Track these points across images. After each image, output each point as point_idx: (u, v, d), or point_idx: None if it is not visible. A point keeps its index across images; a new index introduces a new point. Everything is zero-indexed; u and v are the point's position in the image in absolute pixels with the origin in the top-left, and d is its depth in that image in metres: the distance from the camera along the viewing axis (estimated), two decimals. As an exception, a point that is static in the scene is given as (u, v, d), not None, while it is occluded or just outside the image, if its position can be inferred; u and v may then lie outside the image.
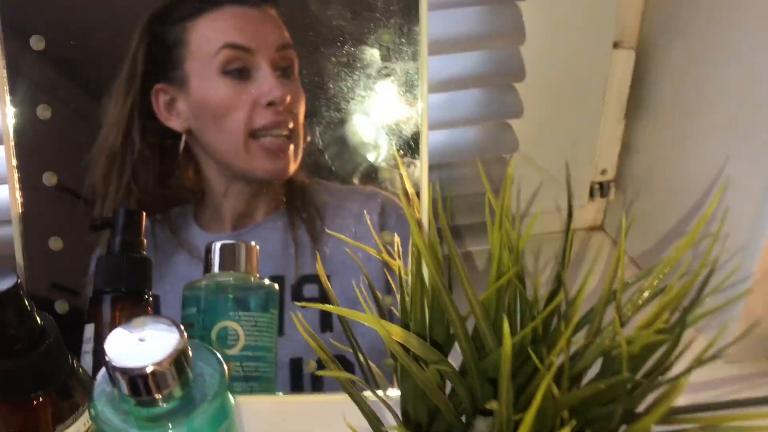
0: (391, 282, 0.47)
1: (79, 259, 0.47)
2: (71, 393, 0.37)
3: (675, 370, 0.35)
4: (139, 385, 0.32)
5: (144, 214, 0.47)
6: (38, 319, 0.35)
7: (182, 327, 0.34)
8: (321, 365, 0.47)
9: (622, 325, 0.38)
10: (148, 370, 0.32)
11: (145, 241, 0.47)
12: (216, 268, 0.47)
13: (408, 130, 0.47)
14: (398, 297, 0.39)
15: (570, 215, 0.42)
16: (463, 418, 0.37)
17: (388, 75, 0.47)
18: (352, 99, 0.47)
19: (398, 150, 0.47)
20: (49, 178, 0.47)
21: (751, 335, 0.50)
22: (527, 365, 0.35)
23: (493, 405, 0.30)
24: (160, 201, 0.48)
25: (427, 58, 0.46)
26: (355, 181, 0.48)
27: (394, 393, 0.45)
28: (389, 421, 0.37)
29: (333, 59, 0.47)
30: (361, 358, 0.42)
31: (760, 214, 0.45)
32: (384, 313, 0.46)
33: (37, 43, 0.46)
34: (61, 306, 0.47)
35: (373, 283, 0.47)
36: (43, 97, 0.46)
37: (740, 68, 0.46)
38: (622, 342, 0.32)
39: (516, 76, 0.53)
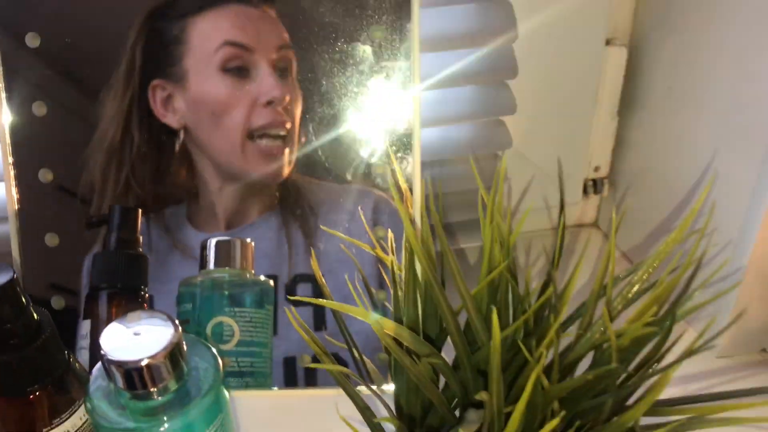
0: (386, 277, 0.48)
1: (75, 255, 0.47)
2: (67, 387, 0.38)
3: (666, 363, 0.36)
4: (134, 378, 0.33)
5: (140, 211, 0.47)
6: (34, 314, 0.36)
7: (177, 321, 0.34)
8: (315, 362, 0.47)
9: (613, 318, 0.38)
10: (143, 363, 0.32)
11: (141, 237, 0.47)
12: (211, 265, 0.47)
13: (401, 127, 0.47)
14: (391, 292, 0.39)
15: (562, 211, 0.43)
16: (457, 412, 0.37)
17: (380, 72, 0.47)
18: (344, 96, 0.47)
19: (391, 147, 0.47)
20: (45, 175, 0.47)
21: (743, 329, 0.50)
22: (518, 358, 0.36)
23: (483, 396, 0.30)
24: (157, 198, 0.48)
25: (420, 55, 0.46)
26: (349, 178, 0.48)
27: (388, 388, 0.46)
28: (383, 415, 0.37)
29: (326, 56, 0.47)
30: (356, 353, 0.43)
31: (751, 208, 0.46)
32: (378, 308, 0.47)
33: (32, 40, 0.46)
34: (57, 302, 0.47)
35: (367, 279, 0.47)
36: (39, 94, 0.46)
37: (731, 64, 0.47)
38: (611, 335, 0.32)
39: (509, 73, 0.53)
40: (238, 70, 0.47)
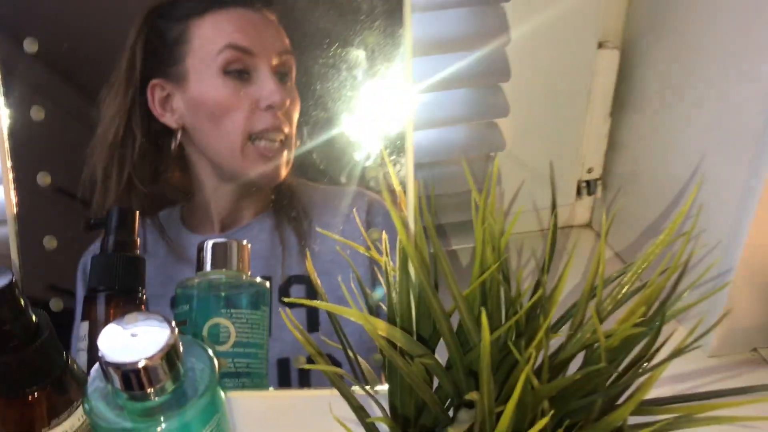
0: (380, 278, 0.48)
1: (74, 258, 0.48)
2: (66, 388, 0.38)
3: (656, 363, 0.36)
4: (131, 379, 0.33)
5: (137, 213, 0.48)
6: (33, 316, 0.36)
7: (173, 323, 0.35)
8: (309, 362, 0.48)
9: (604, 319, 0.39)
10: (140, 364, 0.33)
11: (138, 240, 0.48)
12: (208, 267, 0.47)
13: (394, 130, 0.48)
14: (386, 293, 0.39)
15: (554, 211, 0.43)
16: (451, 413, 0.37)
17: (373, 76, 0.47)
18: (338, 100, 0.48)
19: (385, 149, 0.48)
20: (43, 178, 0.47)
21: (733, 329, 0.51)
22: (509, 358, 0.36)
23: (473, 396, 0.31)
24: (154, 199, 0.49)
25: (413, 59, 0.47)
26: (343, 180, 0.49)
27: (382, 388, 0.46)
28: (378, 415, 0.38)
29: (320, 61, 0.47)
30: (350, 354, 0.43)
31: (740, 209, 0.46)
32: (373, 309, 0.47)
33: (30, 45, 0.46)
34: (55, 304, 0.48)
35: (362, 280, 0.48)
36: (37, 98, 0.47)
37: (721, 67, 0.47)
38: (600, 335, 0.33)
39: (502, 76, 0.54)
40: (239, 73, 0.47)
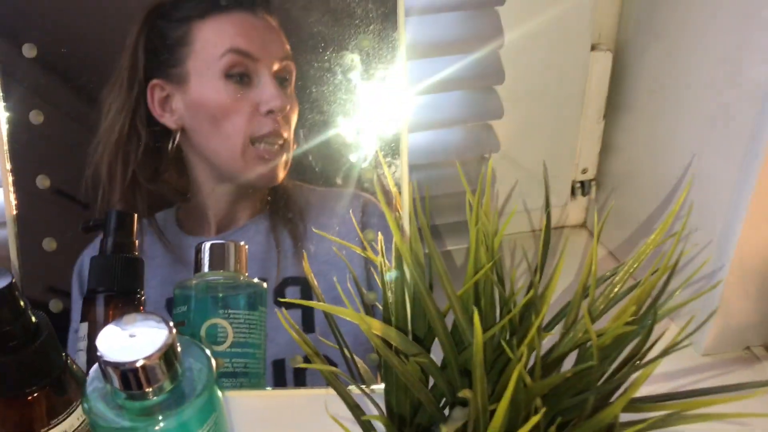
0: (377, 278, 0.48)
1: (73, 259, 0.48)
2: (65, 388, 0.38)
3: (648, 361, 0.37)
4: (129, 378, 0.33)
5: (135, 215, 0.48)
6: (32, 316, 0.37)
7: (171, 323, 0.35)
8: (306, 362, 0.48)
9: (597, 318, 0.39)
10: (139, 364, 0.33)
11: (136, 241, 0.48)
12: (206, 268, 0.47)
13: (389, 132, 0.48)
14: (382, 293, 0.40)
15: (547, 211, 0.44)
16: (446, 412, 0.38)
17: (368, 79, 0.48)
18: (334, 103, 0.48)
19: (380, 151, 0.48)
20: (43, 181, 0.48)
21: (726, 327, 0.51)
22: (503, 357, 0.37)
23: (466, 393, 0.31)
24: (154, 199, 0.49)
25: (407, 63, 0.47)
26: (338, 182, 0.49)
27: (378, 388, 0.46)
28: (374, 414, 0.38)
29: (315, 64, 0.48)
30: (346, 353, 0.44)
31: (732, 208, 0.46)
32: (369, 309, 0.47)
33: (29, 50, 0.47)
34: (55, 305, 0.48)
35: (358, 280, 0.48)
36: (36, 102, 0.47)
37: (713, 68, 0.47)
38: (591, 334, 0.33)
39: (496, 79, 0.54)
40: (240, 76, 0.47)
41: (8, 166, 0.47)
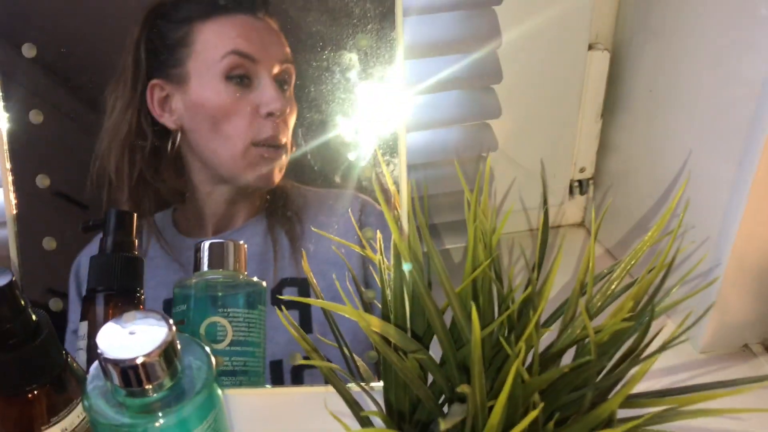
0: (376, 276, 0.49)
1: (73, 259, 0.48)
2: (65, 386, 0.38)
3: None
4: (129, 376, 0.34)
5: (135, 215, 0.48)
6: (32, 315, 0.37)
7: (171, 321, 0.35)
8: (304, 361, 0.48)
9: (595, 315, 0.40)
10: (139, 361, 0.33)
11: (136, 241, 0.48)
12: (205, 267, 0.48)
13: (387, 132, 0.48)
14: (380, 291, 0.40)
15: (545, 206, 0.44)
16: (446, 409, 0.38)
17: (366, 78, 0.48)
18: (332, 102, 0.48)
19: (378, 150, 0.48)
20: (42, 181, 0.48)
21: (724, 325, 0.52)
22: (502, 354, 0.37)
23: (464, 389, 0.31)
24: (153, 200, 0.49)
25: (405, 62, 0.47)
26: (336, 181, 0.49)
27: (378, 386, 0.47)
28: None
29: (313, 64, 0.48)
30: (345, 351, 0.44)
31: (730, 205, 0.47)
32: (367, 307, 0.48)
33: (28, 50, 0.47)
34: (54, 304, 0.48)
35: (357, 278, 0.48)
36: (35, 102, 0.47)
37: (710, 67, 0.48)
38: (589, 330, 0.33)
39: (494, 78, 0.54)
40: (240, 78, 0.48)
41: (8, 165, 0.47)
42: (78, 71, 0.48)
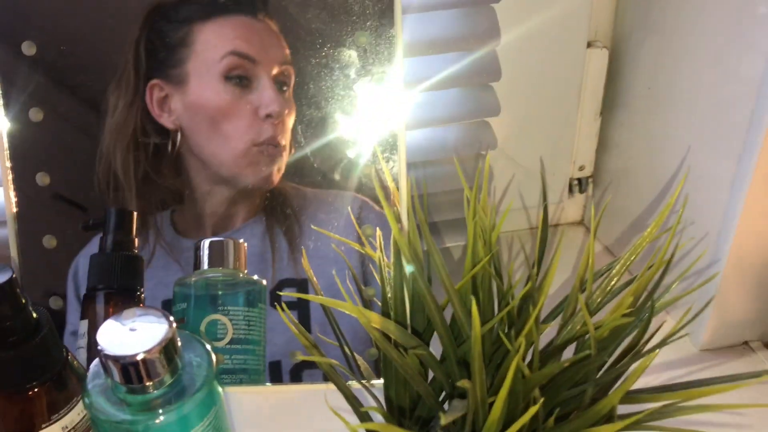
0: (375, 274, 0.49)
1: (73, 256, 0.48)
2: (66, 384, 0.38)
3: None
4: (130, 372, 0.34)
5: (135, 213, 0.48)
6: (33, 312, 0.37)
7: (171, 318, 0.35)
8: (305, 361, 0.49)
9: (596, 311, 0.40)
10: (139, 357, 0.33)
11: (136, 240, 0.48)
12: (205, 265, 0.48)
13: (386, 129, 0.48)
14: (380, 288, 0.40)
15: (544, 203, 0.44)
16: (446, 406, 0.38)
17: (366, 76, 0.48)
18: (331, 99, 0.48)
19: (378, 148, 0.48)
20: (42, 179, 0.48)
21: (724, 321, 0.52)
22: (502, 350, 0.37)
23: (464, 384, 0.31)
24: (152, 201, 0.49)
25: (404, 59, 0.48)
26: (336, 178, 0.49)
27: (378, 383, 0.47)
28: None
29: (312, 61, 0.48)
30: (346, 349, 0.44)
31: (729, 202, 0.47)
32: (367, 305, 0.48)
33: (28, 48, 0.47)
34: (55, 302, 0.48)
35: (357, 276, 0.48)
36: (36, 100, 0.47)
37: (709, 65, 0.48)
38: (589, 326, 0.33)
39: (493, 76, 0.54)
40: (239, 79, 0.48)
41: (8, 163, 0.47)
42: (78, 70, 0.48)
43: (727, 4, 0.45)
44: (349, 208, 0.49)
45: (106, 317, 0.46)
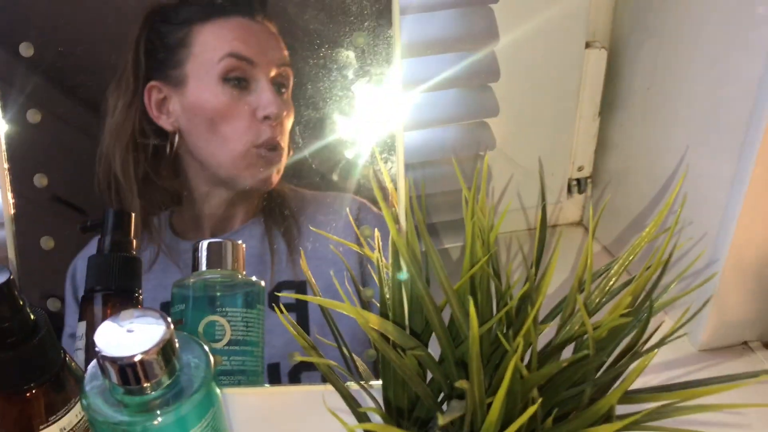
0: (374, 275, 0.49)
1: (71, 258, 0.48)
2: (64, 385, 0.38)
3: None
4: (127, 373, 0.34)
5: (133, 215, 0.48)
6: (31, 313, 0.37)
7: (169, 319, 0.35)
8: (303, 363, 0.48)
9: (594, 311, 0.40)
10: (136, 359, 0.33)
11: (134, 241, 0.48)
12: (203, 266, 0.48)
13: (385, 130, 0.48)
14: (379, 289, 0.40)
15: (543, 205, 0.44)
16: (445, 406, 0.38)
17: (364, 76, 0.48)
18: (329, 100, 0.48)
19: (376, 149, 0.48)
20: (40, 180, 0.48)
21: (723, 322, 0.52)
22: (500, 350, 0.37)
23: (462, 384, 0.31)
24: (151, 202, 0.49)
25: (402, 60, 0.48)
26: (334, 179, 0.49)
27: (376, 384, 0.47)
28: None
29: (310, 62, 0.48)
30: (344, 350, 0.44)
31: (728, 202, 0.47)
32: (365, 306, 0.48)
33: (26, 50, 0.47)
34: (53, 303, 0.48)
35: (356, 277, 0.48)
36: (33, 102, 0.47)
37: (707, 65, 0.48)
38: (587, 326, 0.33)
39: (491, 77, 0.54)
40: (237, 80, 0.48)
41: (6, 165, 0.47)
42: (76, 71, 0.48)
43: (725, 4, 0.45)
44: (347, 209, 0.49)
45: (104, 318, 0.46)
